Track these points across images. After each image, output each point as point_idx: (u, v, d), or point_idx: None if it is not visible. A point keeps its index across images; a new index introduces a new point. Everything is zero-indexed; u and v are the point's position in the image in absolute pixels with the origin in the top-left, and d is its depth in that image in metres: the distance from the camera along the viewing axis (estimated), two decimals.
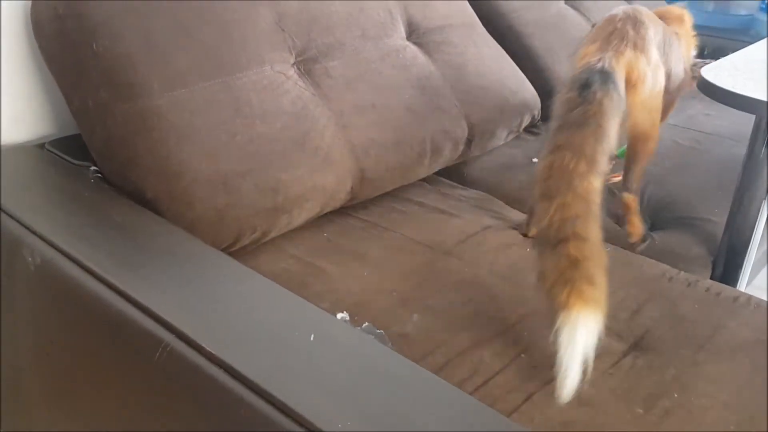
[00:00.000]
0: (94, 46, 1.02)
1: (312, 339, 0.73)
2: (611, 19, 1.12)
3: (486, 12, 1.68)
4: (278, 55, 1.18)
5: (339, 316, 0.81)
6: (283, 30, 1.20)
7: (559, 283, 0.86)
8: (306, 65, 1.22)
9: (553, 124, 1.01)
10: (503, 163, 1.55)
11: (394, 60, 1.34)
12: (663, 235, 1.30)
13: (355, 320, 0.92)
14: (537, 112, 1.63)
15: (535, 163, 1.53)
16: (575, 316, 0.82)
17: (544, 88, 1.68)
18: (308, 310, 0.80)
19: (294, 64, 1.21)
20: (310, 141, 1.14)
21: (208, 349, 0.70)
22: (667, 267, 1.17)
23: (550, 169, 0.95)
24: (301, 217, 1.13)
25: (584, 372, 0.80)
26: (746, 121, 1.79)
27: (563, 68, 1.73)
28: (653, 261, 1.19)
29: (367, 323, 0.81)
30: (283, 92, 1.15)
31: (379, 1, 1.38)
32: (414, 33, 1.43)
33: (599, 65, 1.02)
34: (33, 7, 1.07)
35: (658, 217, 1.35)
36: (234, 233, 1.04)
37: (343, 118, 1.20)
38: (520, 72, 1.62)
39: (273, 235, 1.11)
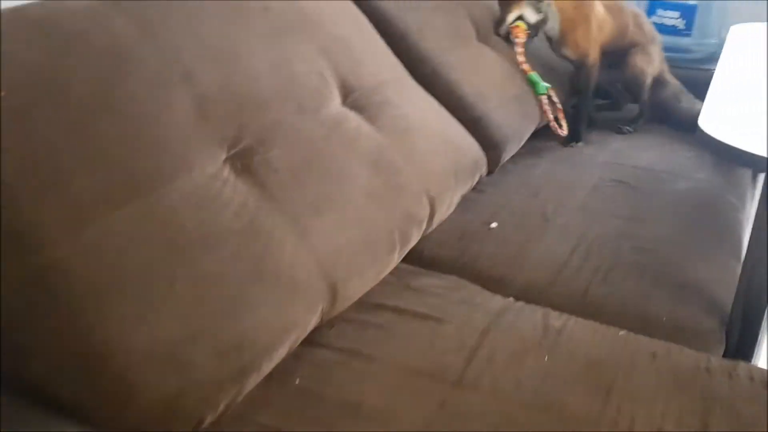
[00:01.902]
0: None
1: None
2: None
3: (408, 58, 1.47)
4: (207, 151, 0.89)
5: None
6: (207, 118, 0.91)
7: None
8: (243, 159, 0.93)
9: None
10: (460, 233, 1.34)
11: (340, 135, 1.09)
12: (666, 307, 1.14)
13: None
14: (485, 169, 1.44)
15: (493, 228, 1.35)
16: None
17: (485, 139, 1.50)
18: None
19: (227, 159, 0.92)
20: (269, 264, 0.86)
21: None
22: (696, 354, 1.01)
23: None
24: (269, 368, 0.85)
25: None
26: (673, 150, 1.75)
27: (498, 114, 1.56)
28: (676, 346, 1.02)
29: None
30: (224, 204, 0.86)
31: (307, 64, 1.12)
32: (349, 96, 1.19)
33: None
34: None
35: (652, 285, 1.19)
36: (194, 420, 0.74)
37: (301, 223, 0.94)
38: (461, 127, 1.42)
39: (238, 401, 0.82)
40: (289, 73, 1.07)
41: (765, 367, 1.01)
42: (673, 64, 2.10)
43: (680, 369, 0.97)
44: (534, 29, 1.64)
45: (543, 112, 1.68)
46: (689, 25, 2.25)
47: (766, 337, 1.15)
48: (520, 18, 1.62)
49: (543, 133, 1.75)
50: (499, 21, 1.62)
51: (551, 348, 0.99)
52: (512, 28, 1.62)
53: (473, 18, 1.72)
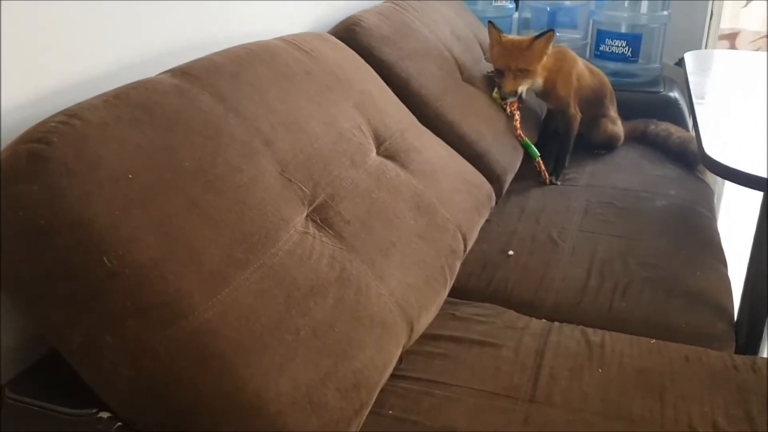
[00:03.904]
0: (106, 261, 0.74)
1: None
2: None
3: (412, 104, 1.58)
4: (294, 210, 0.98)
5: None
6: (289, 179, 1.00)
7: None
8: (320, 214, 1.02)
9: None
10: (483, 263, 1.46)
11: (386, 183, 1.19)
12: (682, 315, 1.29)
13: None
14: (494, 201, 1.56)
15: (511, 255, 1.47)
16: None
17: (488, 173, 1.62)
18: None
19: (308, 216, 1.01)
20: (363, 309, 0.95)
21: None
22: (720, 354, 1.16)
23: None
24: (373, 402, 0.94)
25: None
26: (642, 170, 1.93)
27: (495, 149, 1.69)
28: (702, 349, 1.17)
29: None
30: (318, 257, 0.95)
31: (348, 120, 1.22)
32: (381, 146, 1.29)
33: None
34: None
35: (665, 297, 1.33)
36: None
37: (376, 268, 1.03)
38: (469, 164, 1.54)
39: None
40: (338, 131, 1.16)
41: None
42: (623, 88, 2.31)
43: (713, 368, 1.11)
44: (522, 100, 1.85)
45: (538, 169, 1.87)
46: (635, 53, 2.46)
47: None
48: (518, 93, 1.81)
49: (522, 161, 1.90)
50: (507, 94, 1.79)
51: (600, 361, 1.11)
52: (509, 103, 1.82)
53: (456, 59, 1.86)
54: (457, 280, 1.37)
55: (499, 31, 1.81)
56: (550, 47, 1.79)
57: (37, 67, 0.90)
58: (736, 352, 1.25)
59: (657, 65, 2.52)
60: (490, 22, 1.85)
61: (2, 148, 0.78)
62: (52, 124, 0.79)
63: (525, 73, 1.78)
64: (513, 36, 1.84)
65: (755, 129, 1.33)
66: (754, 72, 1.88)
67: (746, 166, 1.12)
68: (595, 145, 2.07)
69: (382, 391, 1.01)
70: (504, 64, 1.79)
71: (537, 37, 1.75)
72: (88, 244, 0.74)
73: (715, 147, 1.19)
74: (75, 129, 0.79)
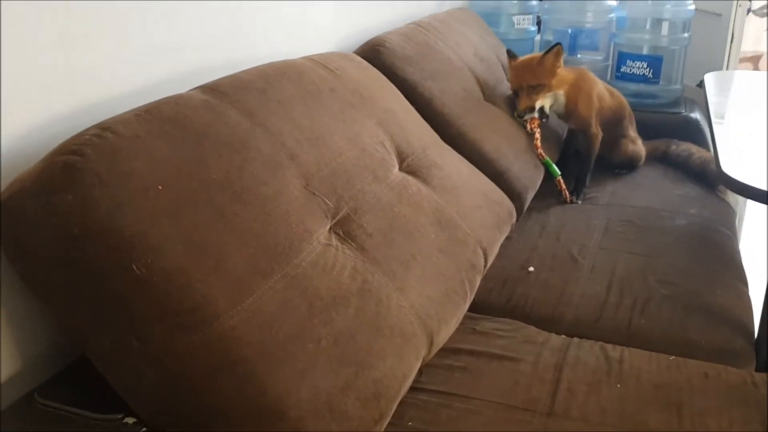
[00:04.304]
0: (135, 268, 0.77)
1: None
2: None
3: (435, 122, 1.61)
4: (318, 222, 1.01)
5: None
6: (313, 193, 1.02)
7: None
8: (344, 227, 1.05)
9: None
10: (503, 279, 1.47)
11: (407, 198, 1.21)
12: (702, 332, 1.28)
13: None
14: (515, 218, 1.58)
15: (531, 272, 1.48)
16: None
17: (509, 191, 1.64)
18: None
19: (331, 228, 1.03)
20: (383, 320, 0.97)
21: None
22: (739, 371, 1.16)
23: None
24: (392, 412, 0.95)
25: None
26: (662, 189, 1.93)
27: (516, 167, 1.71)
28: (721, 366, 1.16)
29: None
30: (341, 268, 0.97)
31: (371, 137, 1.24)
32: (404, 162, 1.31)
33: None
34: (4, 225, 0.79)
35: (684, 314, 1.33)
36: None
37: (397, 281, 1.05)
38: (490, 181, 1.56)
39: None
40: (361, 146, 1.19)
41: None
42: (644, 109, 2.32)
43: (731, 385, 1.11)
44: (546, 116, 1.84)
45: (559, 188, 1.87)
46: (656, 74, 2.47)
47: None
48: (535, 109, 1.82)
49: (543, 179, 1.90)
50: (522, 111, 1.81)
51: (619, 376, 1.12)
52: (528, 120, 1.82)
53: (478, 79, 1.89)
54: (477, 296, 1.38)
55: (513, 56, 1.87)
56: (561, 61, 1.82)
57: (72, 85, 0.94)
58: (756, 371, 1.25)
59: (678, 86, 2.53)
60: (507, 49, 1.90)
61: (39, 159, 0.81)
62: (87, 136, 0.82)
63: (539, 88, 1.81)
64: (524, 56, 1.87)
65: None
66: None
67: (762, 183, 1.13)
68: (615, 166, 2.08)
69: (401, 403, 1.02)
70: (517, 83, 1.84)
71: (546, 52, 1.80)
72: (118, 252, 0.77)
73: (732, 164, 1.20)
74: (108, 142, 0.82)
